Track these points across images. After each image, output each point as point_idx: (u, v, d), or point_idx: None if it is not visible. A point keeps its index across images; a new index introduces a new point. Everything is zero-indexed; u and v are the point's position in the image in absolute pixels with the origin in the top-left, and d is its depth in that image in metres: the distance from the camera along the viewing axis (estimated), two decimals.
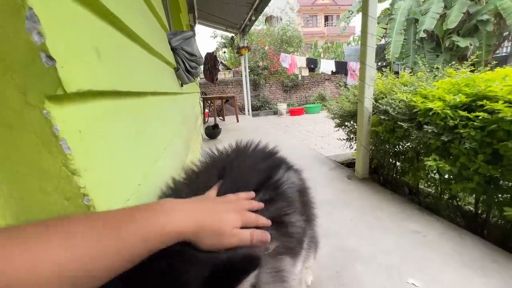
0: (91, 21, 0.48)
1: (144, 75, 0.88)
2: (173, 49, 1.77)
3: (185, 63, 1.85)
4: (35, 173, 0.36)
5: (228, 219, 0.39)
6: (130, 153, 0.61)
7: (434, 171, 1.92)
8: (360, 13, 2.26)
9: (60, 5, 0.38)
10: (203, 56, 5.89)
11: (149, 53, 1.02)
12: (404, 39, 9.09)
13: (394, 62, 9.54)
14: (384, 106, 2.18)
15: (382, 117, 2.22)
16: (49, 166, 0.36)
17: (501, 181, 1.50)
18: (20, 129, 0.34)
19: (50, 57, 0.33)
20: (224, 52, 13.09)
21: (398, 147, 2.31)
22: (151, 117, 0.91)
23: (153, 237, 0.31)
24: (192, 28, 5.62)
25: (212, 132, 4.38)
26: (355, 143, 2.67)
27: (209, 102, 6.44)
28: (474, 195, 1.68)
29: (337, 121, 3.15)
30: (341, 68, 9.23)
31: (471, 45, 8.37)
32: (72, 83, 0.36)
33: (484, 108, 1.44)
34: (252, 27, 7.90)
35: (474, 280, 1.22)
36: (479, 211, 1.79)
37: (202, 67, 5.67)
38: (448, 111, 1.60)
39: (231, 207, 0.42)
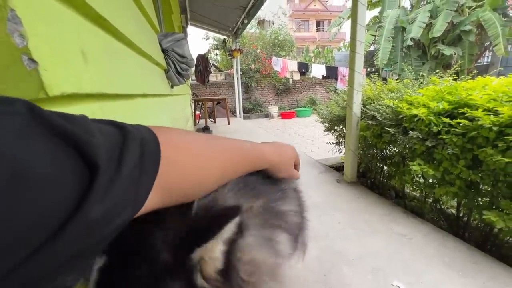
0: (77, 23, 0.47)
1: (133, 77, 0.87)
2: (164, 51, 1.76)
3: (175, 65, 1.84)
4: None
5: (291, 155, 0.59)
6: None
7: (419, 175, 1.98)
8: (350, 20, 2.32)
9: (44, 6, 0.37)
10: (195, 58, 5.86)
11: (138, 54, 1.01)
12: (392, 46, 9.38)
13: (382, 68, 9.81)
14: (372, 112, 2.24)
15: (370, 122, 2.27)
16: None
17: (481, 186, 1.56)
18: None
19: (32, 60, 0.33)
20: (216, 54, 13.07)
21: (385, 151, 2.37)
22: (139, 119, 0.90)
23: (259, 159, 0.48)
24: (184, 29, 5.60)
25: None
26: (344, 147, 2.72)
27: (200, 103, 6.39)
28: (456, 199, 1.74)
29: (327, 125, 3.20)
30: (332, 73, 9.41)
31: (455, 54, 8.73)
32: (55, 86, 0.36)
33: (465, 115, 1.50)
34: (245, 30, 7.95)
35: (455, 280, 1.26)
36: (461, 214, 1.86)
37: (193, 69, 5.64)
38: (432, 118, 1.66)
39: (291, 149, 0.60)
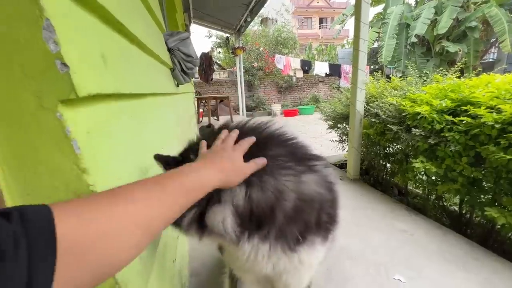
0: (99, 29, 0.51)
1: (144, 77, 0.91)
2: (170, 50, 1.79)
3: (181, 64, 1.87)
4: (48, 172, 0.38)
5: (234, 158, 0.51)
6: (131, 153, 0.64)
7: (422, 173, 2.00)
8: (353, 17, 2.33)
9: (73, 15, 0.41)
10: (199, 55, 5.89)
11: (148, 54, 1.04)
12: (396, 43, 9.30)
13: (386, 66, 9.74)
14: (375, 109, 2.25)
15: (373, 120, 2.29)
16: (61, 165, 0.39)
17: (483, 183, 1.58)
18: (35, 131, 0.37)
19: (64, 64, 0.36)
20: (219, 52, 13.07)
21: (388, 149, 2.39)
22: (150, 118, 0.94)
23: (192, 190, 0.41)
24: (187, 27, 5.62)
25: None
26: (347, 144, 2.74)
27: (203, 102, 6.43)
28: (458, 196, 1.75)
29: (330, 123, 3.22)
30: (335, 70, 9.37)
31: (460, 50, 8.63)
32: (83, 88, 0.39)
33: (468, 113, 1.52)
34: (248, 28, 7.94)
35: (456, 275, 1.28)
36: (463, 211, 1.87)
37: (197, 67, 5.67)
38: (435, 115, 1.67)
39: (229, 149, 0.53)
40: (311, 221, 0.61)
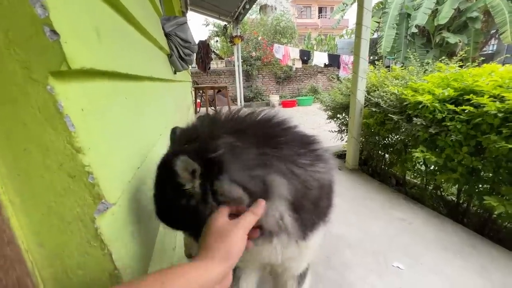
0: (92, 0, 0.47)
1: (141, 59, 0.87)
2: (167, 35, 1.73)
3: (178, 50, 1.81)
4: (40, 149, 0.36)
5: (239, 247, 0.44)
6: (129, 135, 0.61)
7: (421, 163, 2.00)
8: (354, 6, 2.26)
9: None
10: (196, 43, 5.76)
11: (145, 37, 1.00)
12: (396, 33, 9.17)
13: (385, 57, 9.64)
14: (376, 99, 2.23)
15: (374, 109, 2.27)
16: (54, 143, 0.36)
17: (482, 172, 1.58)
18: (24, 105, 0.34)
19: (54, 32, 0.33)
20: (217, 41, 12.80)
21: (388, 139, 2.38)
22: (147, 102, 0.90)
23: None
24: (184, 14, 5.46)
25: None
26: (346, 135, 2.73)
27: (201, 91, 6.34)
28: (457, 186, 1.76)
29: (329, 113, 3.19)
30: (334, 61, 9.25)
31: (460, 41, 8.55)
32: (75, 59, 0.36)
33: (471, 102, 1.50)
34: (246, 16, 7.75)
35: (453, 262, 1.30)
36: (461, 201, 1.89)
37: (195, 55, 5.55)
38: (437, 104, 1.65)
39: (240, 236, 0.45)
40: (323, 207, 0.62)
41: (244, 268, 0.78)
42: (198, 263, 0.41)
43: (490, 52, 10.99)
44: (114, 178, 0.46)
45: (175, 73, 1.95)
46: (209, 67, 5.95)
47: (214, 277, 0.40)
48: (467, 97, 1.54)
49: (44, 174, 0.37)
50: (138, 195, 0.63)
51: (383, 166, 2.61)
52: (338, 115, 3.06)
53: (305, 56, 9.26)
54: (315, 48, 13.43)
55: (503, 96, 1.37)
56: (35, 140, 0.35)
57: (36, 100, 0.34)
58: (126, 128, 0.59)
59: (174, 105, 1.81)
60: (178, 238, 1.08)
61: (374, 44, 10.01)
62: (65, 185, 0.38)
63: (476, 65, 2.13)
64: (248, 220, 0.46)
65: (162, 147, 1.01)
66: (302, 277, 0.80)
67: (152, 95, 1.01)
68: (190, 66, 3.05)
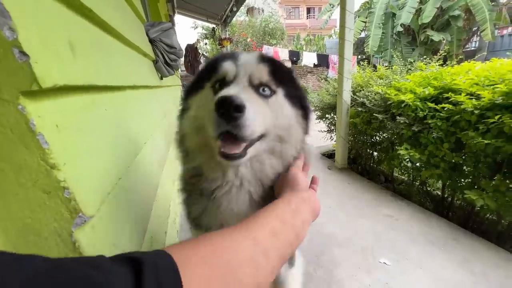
0: (64, 15, 0.48)
1: (122, 68, 0.87)
2: (151, 41, 1.73)
3: (164, 56, 1.81)
4: (13, 168, 0.36)
5: (301, 177, 0.59)
6: (110, 147, 0.61)
7: (407, 159, 2.05)
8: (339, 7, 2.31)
9: None
10: (184, 47, 5.73)
11: (126, 45, 1.00)
12: (383, 32, 9.37)
13: (373, 55, 9.82)
14: (361, 99, 2.28)
15: (360, 109, 2.32)
16: (27, 161, 0.37)
17: (464, 167, 1.64)
18: None
19: (23, 53, 0.34)
20: (206, 44, 12.77)
21: (375, 137, 2.43)
22: (130, 111, 0.91)
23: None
24: (171, 18, 5.43)
25: None
26: (335, 134, 2.77)
27: None
28: (440, 181, 1.82)
29: (318, 113, 3.24)
30: (323, 61, 9.37)
31: (443, 39, 8.81)
32: (47, 78, 0.37)
33: (450, 100, 1.55)
34: (234, 18, 7.77)
35: (437, 256, 1.35)
36: (445, 195, 1.95)
37: (182, 59, 5.52)
38: (418, 103, 1.70)
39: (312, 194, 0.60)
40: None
41: None
42: (277, 201, 0.51)
43: (472, 49, 11.34)
44: (92, 190, 0.47)
45: (161, 78, 1.95)
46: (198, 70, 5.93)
47: (296, 201, 0.52)
48: (446, 95, 1.59)
49: (19, 191, 0.37)
50: (122, 205, 0.63)
51: (371, 164, 2.67)
52: (327, 115, 3.11)
53: (294, 57, 9.34)
54: (304, 48, 13.56)
55: (479, 94, 1.43)
56: (8, 159, 0.36)
57: (8, 120, 0.35)
58: (105, 139, 0.59)
59: (162, 111, 1.81)
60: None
61: (361, 43, 10.20)
62: (40, 201, 0.38)
63: (456, 63, 2.21)
64: (298, 163, 0.63)
65: (147, 155, 1.01)
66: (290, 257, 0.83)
67: (135, 104, 1.01)
68: (176, 71, 3.04)
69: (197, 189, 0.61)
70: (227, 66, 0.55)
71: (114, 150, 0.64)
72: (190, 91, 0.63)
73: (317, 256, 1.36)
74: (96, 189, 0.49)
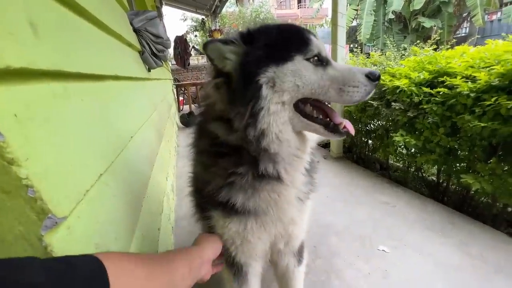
0: None
1: (101, 57, 0.80)
2: (136, 31, 1.64)
3: (150, 46, 1.73)
4: None
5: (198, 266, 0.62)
6: (88, 140, 0.56)
7: (402, 146, 2.04)
8: None
9: None
10: (173, 39, 5.57)
11: (106, 33, 0.93)
12: (374, 20, 9.30)
13: (365, 44, 9.77)
14: None
15: None
16: None
17: (459, 152, 1.63)
18: None
19: None
20: (196, 36, 12.49)
21: (369, 125, 2.41)
22: (113, 103, 0.85)
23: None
24: (158, 10, 5.25)
25: (188, 120, 4.25)
26: None
27: (182, 89, 6.18)
28: (436, 166, 1.81)
29: None
30: None
31: (434, 26, 8.80)
32: None
33: (445, 84, 1.53)
34: (224, 9, 7.58)
35: (435, 241, 1.34)
36: (441, 180, 1.95)
37: (171, 51, 5.37)
38: (413, 88, 1.68)
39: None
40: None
41: (250, 261, 0.76)
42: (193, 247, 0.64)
43: (463, 35, 11.38)
44: (64, 188, 0.42)
45: (149, 70, 1.87)
46: (189, 63, 5.79)
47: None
48: (441, 79, 1.57)
49: None
50: (105, 203, 0.59)
51: (366, 152, 2.66)
52: None
53: None
54: None
55: (474, 76, 1.40)
56: None
57: None
58: (82, 132, 0.54)
59: (151, 104, 1.74)
60: (160, 245, 1.05)
61: (353, 32, 10.12)
62: None
63: (449, 48, 2.18)
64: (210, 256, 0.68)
65: (135, 149, 0.96)
66: (300, 253, 0.87)
67: (119, 95, 0.95)
68: (164, 63, 2.95)
69: (248, 173, 0.61)
70: (320, 45, 0.61)
71: (94, 143, 0.59)
72: (267, 61, 0.56)
73: (315, 246, 1.34)
74: (70, 186, 0.44)
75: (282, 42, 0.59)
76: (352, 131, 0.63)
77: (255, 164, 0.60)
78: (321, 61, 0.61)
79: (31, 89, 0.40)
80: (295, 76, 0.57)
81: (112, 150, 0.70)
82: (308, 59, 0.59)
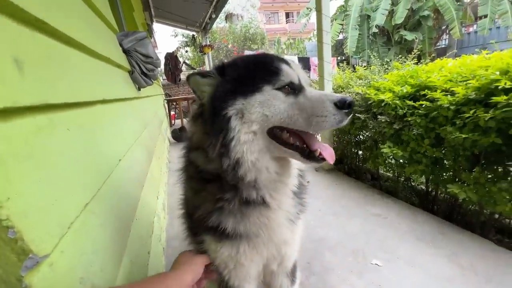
0: (9, 29, 0.42)
1: (88, 82, 0.81)
2: (126, 52, 1.66)
3: (140, 66, 1.75)
4: None
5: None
6: (73, 171, 0.56)
7: (391, 157, 2.09)
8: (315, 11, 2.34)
9: None
10: (163, 56, 5.63)
11: (93, 57, 0.94)
12: (359, 34, 9.71)
13: (352, 56, 10.13)
14: None
15: None
16: None
17: (445, 161, 1.68)
18: None
19: None
20: (187, 51, 12.68)
21: (359, 137, 2.47)
22: (101, 128, 0.85)
23: None
24: (149, 27, 5.34)
25: (179, 135, 4.23)
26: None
27: (174, 104, 6.19)
28: (424, 176, 1.86)
29: None
30: (304, 63, 9.51)
31: (416, 38, 9.24)
32: None
33: (427, 97, 1.59)
34: (214, 25, 7.76)
35: (426, 252, 1.36)
36: (430, 190, 1.99)
37: (161, 68, 5.42)
38: (397, 101, 1.74)
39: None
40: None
41: (243, 284, 0.75)
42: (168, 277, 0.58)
43: (443, 46, 11.96)
44: (47, 225, 0.41)
45: (139, 89, 1.88)
46: (180, 79, 5.84)
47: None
48: (423, 92, 1.64)
49: None
50: (91, 233, 0.58)
51: (357, 163, 2.69)
52: None
53: None
54: (285, 52, 13.77)
55: (453, 90, 1.47)
56: None
57: None
58: (68, 163, 0.54)
59: (141, 123, 1.73)
60: (150, 269, 1.02)
61: (340, 45, 10.49)
62: None
63: (430, 60, 2.29)
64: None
65: (123, 172, 0.95)
66: (293, 273, 0.88)
67: (107, 119, 0.95)
68: (156, 81, 2.96)
69: (236, 199, 0.62)
70: (292, 74, 0.61)
71: (79, 173, 0.58)
72: (235, 93, 0.58)
73: (309, 263, 1.33)
74: (53, 221, 0.43)
75: (251, 73, 0.61)
76: (330, 159, 0.61)
77: (238, 190, 0.61)
78: (294, 90, 0.61)
79: (14, 125, 0.40)
80: (263, 107, 0.58)
81: (98, 177, 0.70)
82: (278, 89, 0.60)
